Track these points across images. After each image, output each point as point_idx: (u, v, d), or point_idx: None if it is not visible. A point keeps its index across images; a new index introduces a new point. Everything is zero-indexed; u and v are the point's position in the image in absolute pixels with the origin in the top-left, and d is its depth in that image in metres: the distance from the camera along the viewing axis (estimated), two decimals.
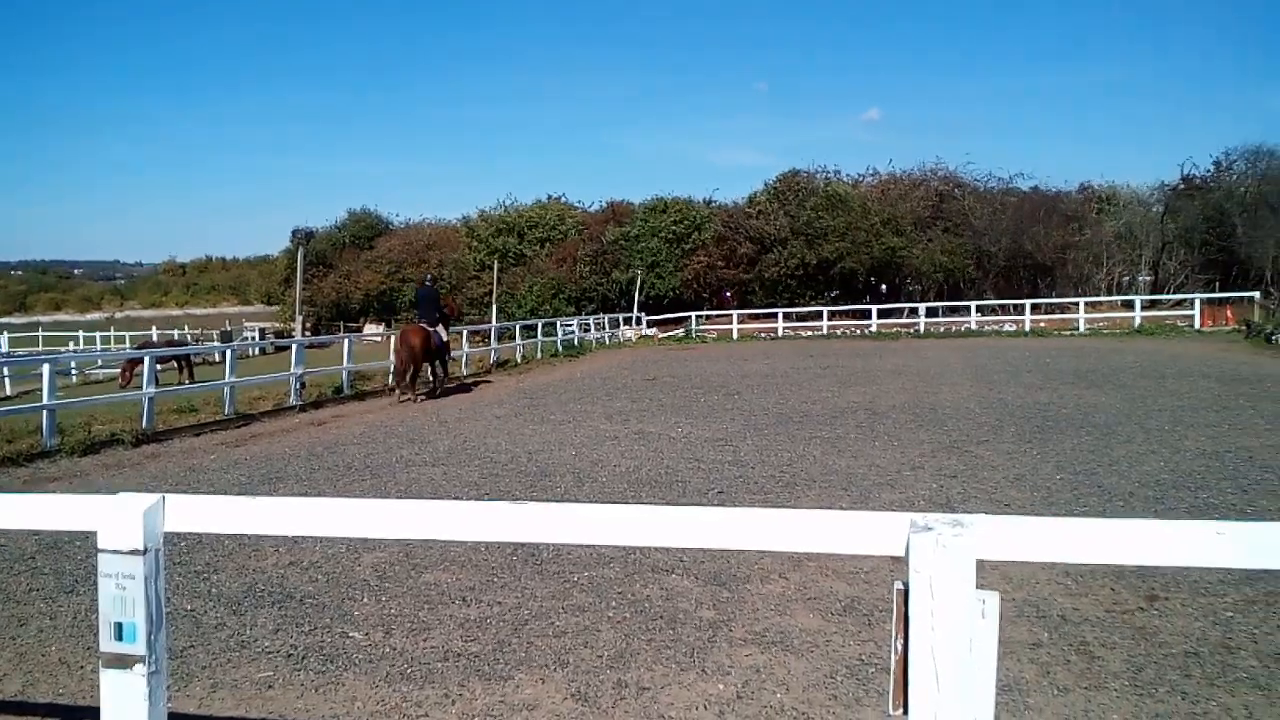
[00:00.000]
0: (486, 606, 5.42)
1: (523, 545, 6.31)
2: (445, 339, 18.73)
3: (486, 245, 52.91)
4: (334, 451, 11.49)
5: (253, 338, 48.15)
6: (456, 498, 8.48)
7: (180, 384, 22.40)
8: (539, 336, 30.02)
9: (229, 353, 17.08)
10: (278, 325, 57.52)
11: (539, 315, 39.58)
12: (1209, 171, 47.35)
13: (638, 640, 4.79)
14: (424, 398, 17.95)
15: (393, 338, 20.11)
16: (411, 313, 30.88)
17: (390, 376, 19.42)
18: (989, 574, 5.51)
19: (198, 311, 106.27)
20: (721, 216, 50.08)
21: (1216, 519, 6.64)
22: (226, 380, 15.75)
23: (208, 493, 8.63)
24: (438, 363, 18.82)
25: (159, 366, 15.80)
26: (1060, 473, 8.82)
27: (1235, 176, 45.81)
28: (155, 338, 43.99)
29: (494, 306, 30.46)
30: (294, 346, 17.76)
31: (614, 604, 5.37)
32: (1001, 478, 8.69)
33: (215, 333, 51.60)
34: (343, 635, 5.02)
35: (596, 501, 8.07)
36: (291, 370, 17.15)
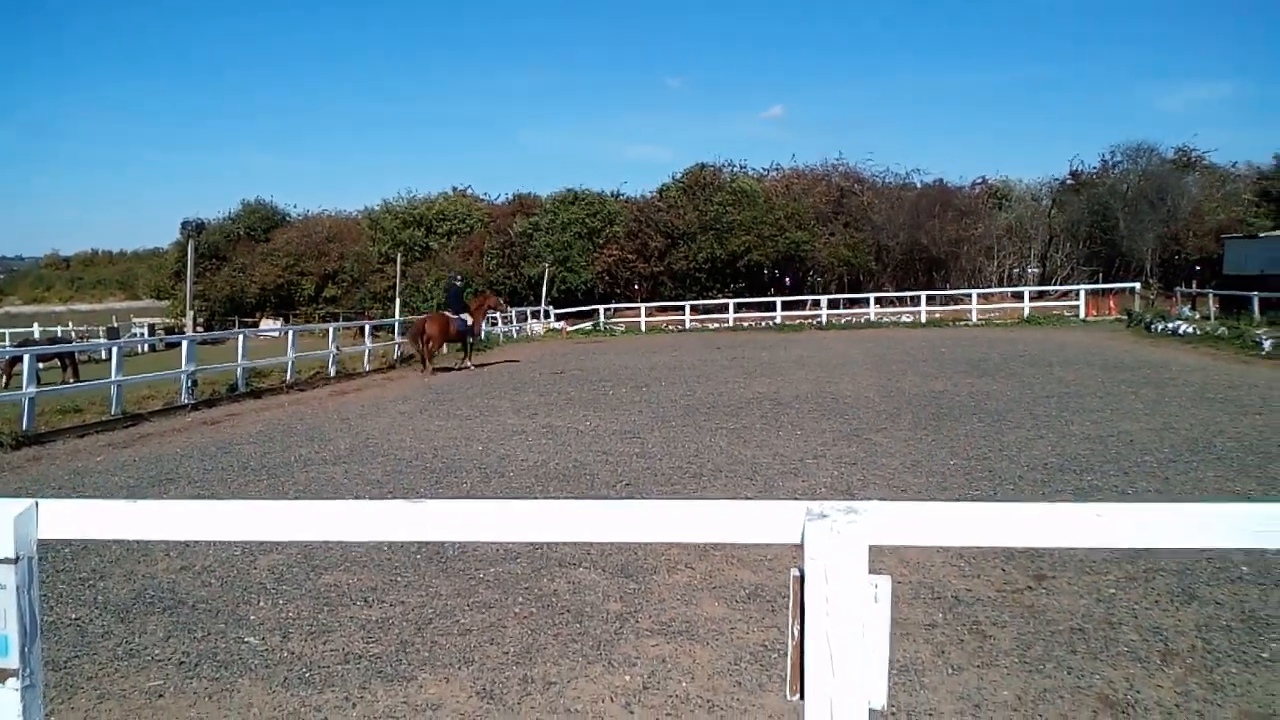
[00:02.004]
0: (389, 607, 5.32)
1: (426, 544, 6.21)
2: (469, 324, 22.31)
3: (390, 238, 51.87)
4: (228, 451, 11.10)
5: (142, 334, 46.17)
6: (358, 497, 8.29)
7: (64, 383, 21.28)
8: None
9: (116, 350, 16.31)
10: (168, 321, 55.27)
11: (445, 309, 39.02)
12: (1095, 168, 49.66)
13: (544, 635, 4.76)
14: (436, 371, 21.49)
15: (419, 321, 23.76)
16: (309, 307, 32.05)
17: (408, 356, 23.64)
18: (887, 558, 5.69)
19: (83, 307, 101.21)
20: (632, 210, 50.22)
21: (1100, 501, 6.97)
22: (113, 379, 15.05)
23: (93, 496, 8.24)
24: (468, 341, 22.78)
25: (40, 365, 15.02)
26: (954, 458, 9.13)
27: (1119, 173, 48.11)
28: (37, 335, 41.79)
29: (397, 300, 29.86)
30: (185, 343, 17.10)
31: (520, 599, 5.33)
32: (899, 464, 8.94)
33: (101, 329, 49.29)
34: (238, 640, 4.85)
35: (503, 497, 8.00)
36: (183, 368, 16.50)
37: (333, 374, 21.35)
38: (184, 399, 16.11)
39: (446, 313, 22.61)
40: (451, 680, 4.25)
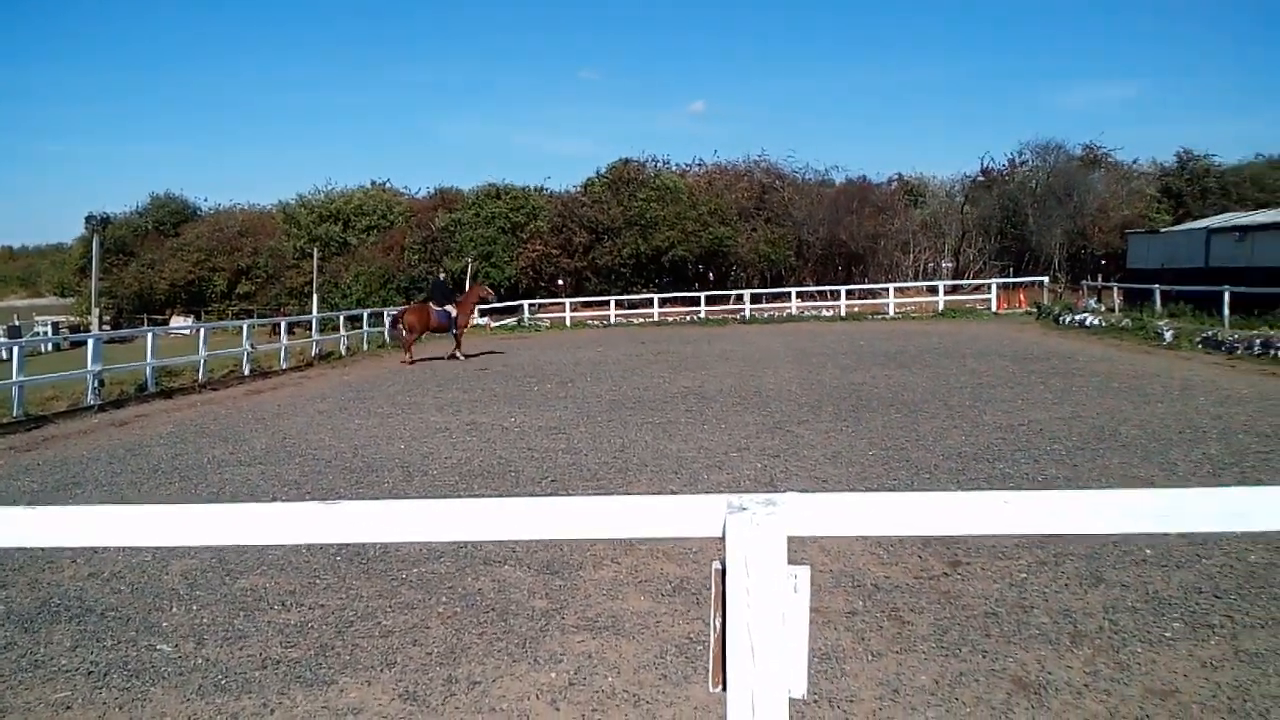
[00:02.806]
0: (308, 610, 5.20)
1: (347, 545, 6.09)
2: (453, 315, 23.51)
3: (307, 232, 50.63)
4: (137, 454, 10.72)
5: (45, 333, 44.16)
6: (275, 498, 8.08)
7: None
8: (365, 327, 29.02)
9: (17, 349, 15.58)
10: (73, 319, 53.02)
11: (366, 305, 38.26)
12: (1005, 165, 51.20)
13: (469, 634, 4.72)
14: (417, 361, 22.38)
15: (400, 311, 25.59)
16: (222, 304, 31.32)
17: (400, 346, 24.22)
18: (809, 548, 5.79)
19: None
20: (556, 205, 50.00)
21: (1011, 488, 7.21)
22: (14, 379, 14.37)
23: None
24: (453, 333, 23.69)
25: None
26: (873, 449, 9.33)
27: (1028, 170, 49.69)
28: None
29: (314, 296, 29.20)
30: (91, 342, 16.44)
31: (444, 599, 5.26)
32: (820, 455, 9.10)
33: (2, 327, 47.05)
34: (149, 648, 4.69)
35: (425, 496, 7.89)
36: (89, 367, 15.86)
37: (247, 372, 20.77)
38: (90, 400, 15.49)
39: (430, 304, 23.89)
40: (373, 683, 4.18)
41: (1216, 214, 38.26)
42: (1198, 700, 3.76)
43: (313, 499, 7.02)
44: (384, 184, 56.65)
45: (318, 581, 5.70)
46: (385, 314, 32.22)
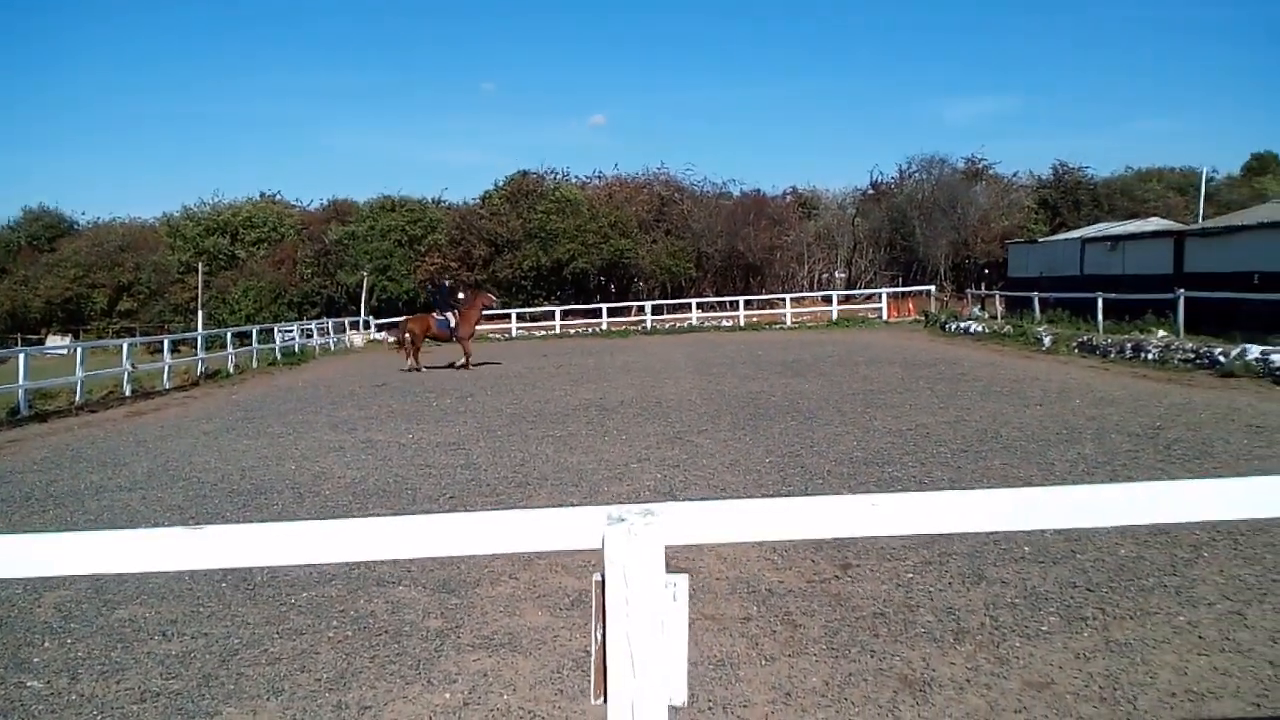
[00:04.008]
0: (190, 639, 4.99)
1: (232, 571, 5.87)
2: (452, 325, 23.87)
3: (193, 246, 48.75)
4: (8, 481, 10.11)
5: None
6: (157, 524, 7.73)
7: None
8: (254, 344, 28.07)
9: None
10: None
11: (256, 321, 37.06)
12: (893, 178, 53.00)
13: (360, 658, 4.60)
14: (420, 369, 23.09)
15: (404, 320, 26.54)
16: (102, 322, 30.44)
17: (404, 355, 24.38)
18: (706, 557, 5.85)
19: None
20: (454, 217, 49.45)
21: (899, 490, 7.42)
22: None
23: None
24: (456, 340, 24.15)
25: None
26: (769, 455, 9.50)
27: (914, 183, 51.54)
28: None
29: (200, 313, 28.13)
30: None
31: (335, 623, 5.12)
32: (719, 464, 9.22)
33: None
34: (19, 685, 4.43)
35: (317, 517, 7.67)
36: None
37: (129, 393, 19.85)
38: None
39: (431, 314, 24.70)
40: (259, 712, 4.04)
41: (1090, 224, 40.40)
42: (1072, 690, 3.94)
43: (197, 523, 6.75)
44: (274, 196, 55.09)
45: (201, 609, 5.48)
46: (276, 330, 31.34)
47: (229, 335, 27.72)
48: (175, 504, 8.56)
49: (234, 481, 9.49)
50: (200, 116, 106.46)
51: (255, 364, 27.10)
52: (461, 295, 25.27)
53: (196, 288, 33.70)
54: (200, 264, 36.34)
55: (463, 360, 23.71)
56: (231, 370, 25.27)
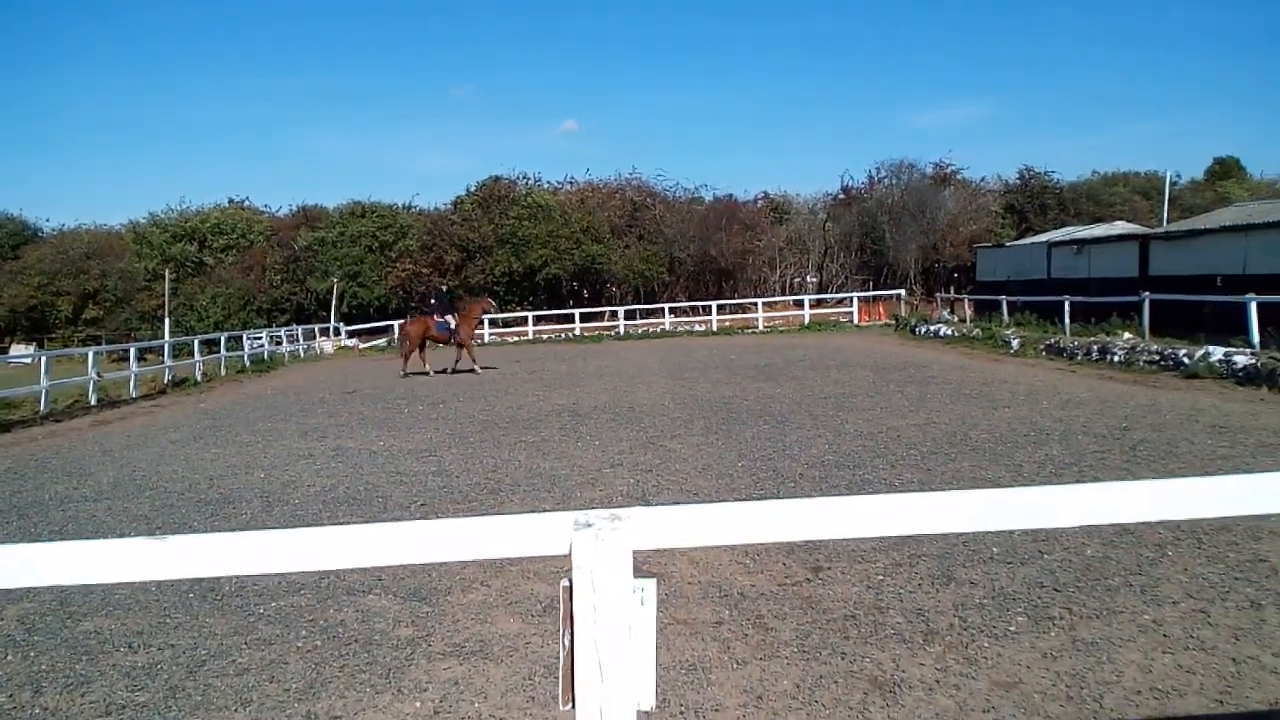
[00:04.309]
0: (157, 651, 4.93)
1: (200, 581, 5.80)
2: (452, 327, 24.07)
3: (159, 253, 48.14)
4: None
5: None
6: (123, 535, 7.63)
7: None
8: (223, 352, 27.76)
9: None
10: None
11: (225, 328, 36.66)
12: (863, 183, 53.44)
13: (329, 668, 4.56)
14: (417, 373, 23.10)
15: (403, 324, 27.17)
16: (68, 330, 30.23)
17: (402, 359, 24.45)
18: (678, 561, 5.85)
19: None
20: (425, 223, 49.24)
21: (869, 494, 7.46)
22: None
23: None
24: (455, 344, 24.41)
25: None
26: (742, 460, 9.52)
27: (884, 188, 51.98)
28: None
29: (168, 320, 27.79)
30: None
31: (304, 633, 5.07)
32: (691, 468, 9.23)
33: None
34: None
35: (286, 526, 7.60)
36: None
37: (94, 402, 19.56)
38: None
39: (431, 317, 24.73)
40: None
41: (1056, 228, 40.93)
42: (1039, 690, 3.98)
43: (164, 533, 6.67)
44: (243, 201, 54.56)
45: (168, 621, 5.41)
46: (245, 337, 31.05)
47: (196, 343, 27.40)
48: (142, 514, 8.44)
49: (202, 491, 9.37)
50: (168, 122, 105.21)
51: (223, 372, 26.80)
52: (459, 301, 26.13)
53: (163, 295, 33.23)
54: (167, 271, 35.86)
55: (469, 365, 23.82)
56: (199, 378, 24.98)
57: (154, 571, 1.86)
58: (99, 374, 20.73)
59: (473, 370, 23.45)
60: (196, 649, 4.93)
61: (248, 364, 28.61)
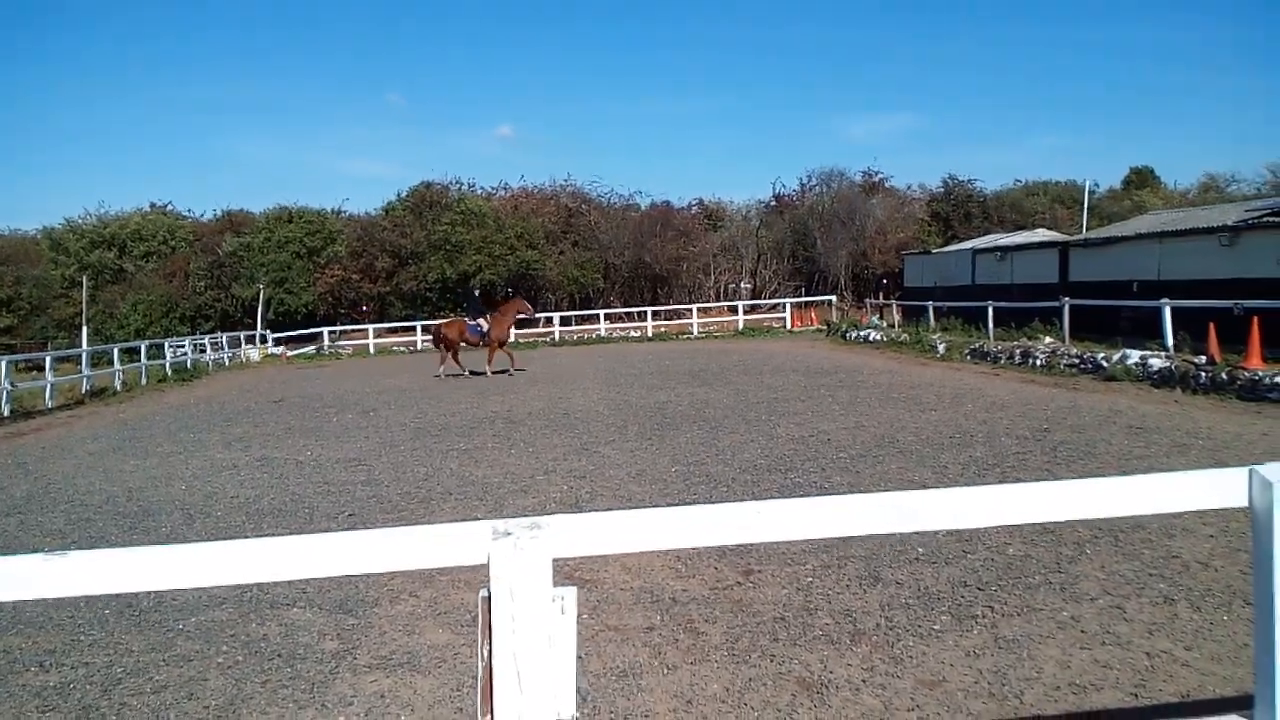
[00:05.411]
0: (70, 670, 4.75)
1: (116, 597, 5.60)
2: (484, 330, 24.09)
3: (77, 260, 46.50)
4: None
5: None
6: (35, 550, 7.32)
7: None
8: (144, 360, 26.91)
9: None
10: None
11: (147, 336, 35.55)
12: (795, 191, 54.12)
13: (251, 684, 4.44)
14: (452, 375, 23.12)
15: (437, 326, 26.95)
16: None
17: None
18: (611, 567, 5.84)
19: None
20: (355, 229, 48.46)
21: (800, 496, 7.54)
22: None
23: None
24: (483, 345, 24.46)
25: None
26: (675, 465, 9.55)
27: (814, 195, 52.72)
28: None
29: (85, 329, 26.84)
30: None
31: (225, 648, 4.93)
32: (625, 474, 9.22)
33: None
34: None
35: (208, 539, 7.39)
36: None
37: (7, 413, 18.79)
38: None
39: (464, 319, 25.10)
40: None
41: (981, 236, 41.96)
42: (962, 688, 4.06)
43: (78, 549, 6.42)
44: (165, 207, 52.96)
45: (81, 638, 5.22)
46: (167, 345, 30.18)
47: (116, 351, 26.49)
48: (56, 528, 8.14)
49: (120, 504, 9.07)
50: (85, 125, 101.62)
51: (145, 381, 25.98)
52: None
53: (81, 303, 32.10)
54: (85, 278, 34.64)
55: (503, 366, 23.85)
56: (119, 388, 24.17)
57: (51, 589, 1.79)
58: (12, 384, 19.91)
59: (508, 371, 23.46)
60: (112, 667, 4.76)
61: (170, 373, 27.78)
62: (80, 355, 25.05)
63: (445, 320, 28.06)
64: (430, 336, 29.27)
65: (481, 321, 24.38)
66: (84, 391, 22.68)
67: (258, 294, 42.06)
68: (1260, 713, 2.13)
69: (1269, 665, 2.06)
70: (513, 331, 28.74)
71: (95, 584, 1.76)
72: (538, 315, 43.38)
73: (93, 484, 10.27)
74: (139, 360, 26.88)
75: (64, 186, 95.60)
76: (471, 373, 23.53)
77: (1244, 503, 2.16)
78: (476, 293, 27.65)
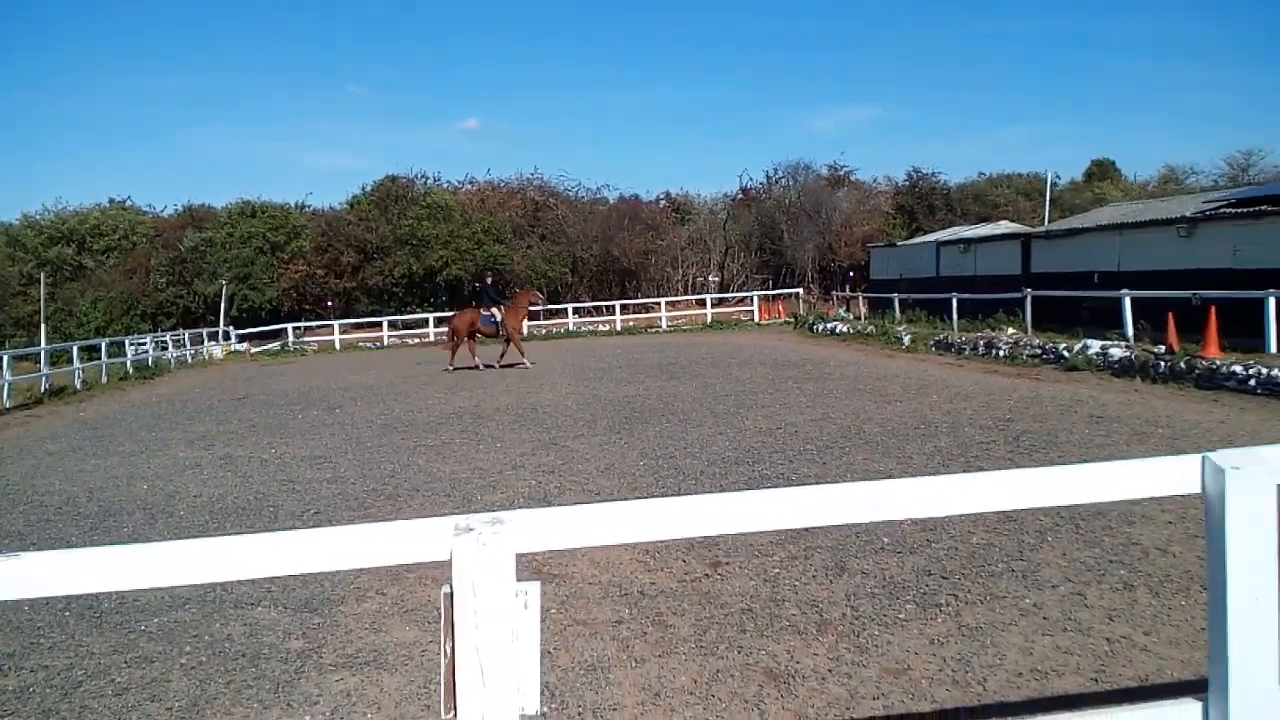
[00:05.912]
0: (29, 673, 4.67)
1: (76, 598, 5.51)
2: (498, 321, 23.54)
3: (35, 256, 45.65)
4: None
5: None
6: None
7: None
8: (104, 358, 26.46)
9: None
10: None
11: (107, 334, 34.95)
12: (761, 184, 54.34)
13: (215, 685, 4.39)
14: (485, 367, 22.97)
15: (451, 317, 26.89)
16: None
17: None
18: (579, 562, 5.84)
19: None
20: (320, 223, 47.95)
21: (768, 488, 7.58)
22: None
23: None
24: (502, 337, 23.84)
25: None
26: (644, 459, 9.56)
27: (781, 189, 52.99)
28: None
29: (44, 327, 26.35)
30: None
31: (188, 649, 4.87)
32: (593, 468, 9.22)
33: None
34: None
35: (170, 538, 7.29)
36: None
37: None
38: None
39: (477, 310, 24.36)
40: None
41: (945, 228, 42.35)
42: (927, 675, 4.10)
43: (38, 550, 6.31)
44: (124, 201, 52.17)
45: (41, 641, 5.13)
46: (128, 342, 29.70)
47: (76, 349, 26.02)
48: (15, 530, 7.99)
49: (80, 504, 8.92)
50: (42, 118, 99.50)
51: (105, 379, 25.54)
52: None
53: (39, 300, 31.50)
54: (43, 275, 33.99)
55: (516, 359, 23.38)
56: (79, 386, 23.73)
57: (6, 591, 1.76)
58: None
59: (521, 364, 23.05)
60: (73, 669, 4.69)
61: (131, 371, 27.32)
62: (38, 353, 24.60)
63: (463, 311, 27.40)
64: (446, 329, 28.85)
65: (495, 312, 23.86)
66: (43, 390, 22.24)
67: (220, 290, 41.51)
68: (1214, 695, 2.18)
69: (1222, 649, 2.10)
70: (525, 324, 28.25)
71: (52, 585, 1.74)
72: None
73: (52, 484, 10.09)
74: (99, 358, 26.41)
75: (20, 182, 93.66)
76: (485, 366, 23.15)
77: (1198, 489, 2.20)
78: (490, 281, 27.19)
